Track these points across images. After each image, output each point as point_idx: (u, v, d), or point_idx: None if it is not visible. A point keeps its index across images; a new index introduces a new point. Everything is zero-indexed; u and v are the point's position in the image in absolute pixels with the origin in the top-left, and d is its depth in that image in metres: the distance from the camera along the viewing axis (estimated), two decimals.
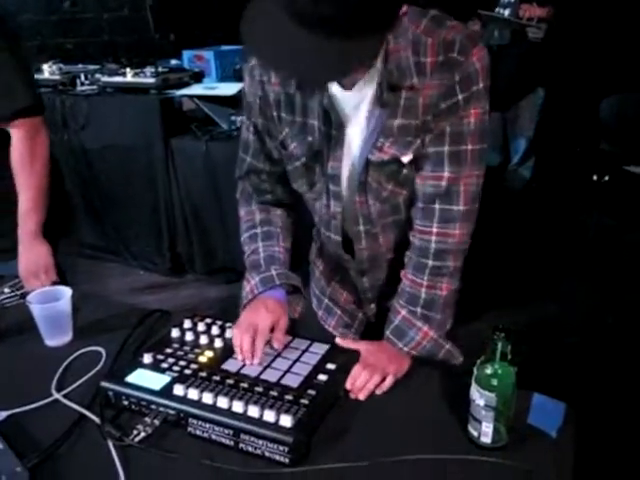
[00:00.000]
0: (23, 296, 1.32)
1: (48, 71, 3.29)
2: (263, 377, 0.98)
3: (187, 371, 0.99)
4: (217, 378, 0.97)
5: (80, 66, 3.55)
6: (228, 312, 1.12)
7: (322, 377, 0.98)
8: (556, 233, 3.37)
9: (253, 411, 0.88)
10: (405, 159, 1.00)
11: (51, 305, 1.16)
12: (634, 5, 3.66)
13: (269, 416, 0.87)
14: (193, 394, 0.92)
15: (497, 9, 3.48)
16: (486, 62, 0.93)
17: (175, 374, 0.98)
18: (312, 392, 0.94)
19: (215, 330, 1.11)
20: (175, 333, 1.11)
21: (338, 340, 1.11)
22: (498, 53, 3.43)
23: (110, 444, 0.88)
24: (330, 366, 1.02)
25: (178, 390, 0.93)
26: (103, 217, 3.37)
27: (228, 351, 1.05)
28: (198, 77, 3.20)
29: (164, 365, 1.01)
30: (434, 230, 1.03)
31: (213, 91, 2.97)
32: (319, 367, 1.01)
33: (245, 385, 0.95)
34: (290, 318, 1.13)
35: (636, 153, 3.47)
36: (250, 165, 1.19)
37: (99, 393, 0.98)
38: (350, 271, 1.24)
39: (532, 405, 0.95)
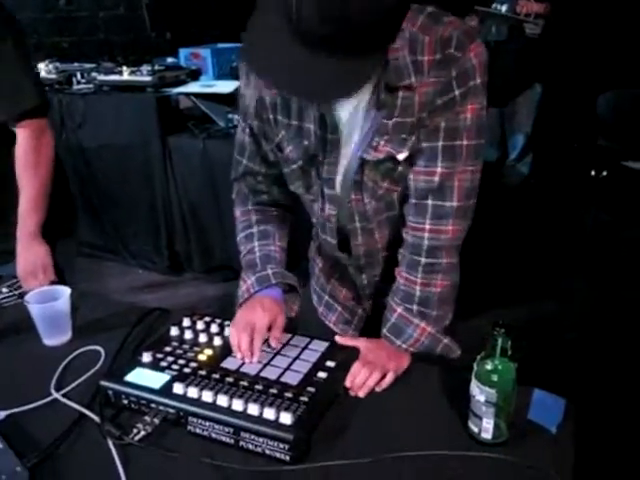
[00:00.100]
0: (21, 296, 1.32)
1: (44, 70, 3.28)
2: (263, 375, 0.98)
3: (186, 369, 0.99)
4: (217, 376, 0.96)
5: (76, 65, 3.55)
6: (227, 310, 1.12)
7: (322, 374, 0.98)
8: (554, 229, 3.38)
9: (253, 409, 0.88)
10: (401, 157, 0.99)
11: (49, 305, 1.15)
12: (630, 1, 3.66)
13: (269, 414, 0.87)
14: (193, 392, 0.92)
15: (494, 5, 3.47)
16: (484, 58, 0.92)
17: (174, 373, 0.98)
18: (312, 389, 0.94)
19: (214, 328, 1.11)
20: (174, 332, 1.11)
21: (337, 338, 1.11)
22: (495, 49, 3.43)
23: (110, 443, 0.88)
24: (330, 363, 1.02)
25: (178, 389, 0.93)
26: (101, 216, 3.37)
27: (227, 349, 1.04)
28: (195, 75, 3.19)
29: (163, 364, 1.01)
30: (427, 227, 1.03)
31: (210, 89, 2.97)
32: (319, 364, 1.01)
33: (245, 383, 0.94)
34: (288, 316, 1.12)
35: (633, 148, 3.48)
36: (246, 167, 1.18)
37: (98, 392, 0.97)
38: (349, 268, 1.24)
39: (532, 401, 0.96)
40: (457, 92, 0.92)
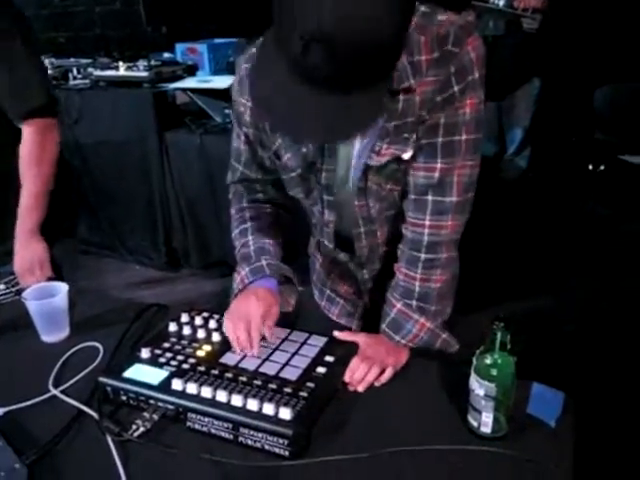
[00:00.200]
0: (19, 292, 1.32)
1: None
2: (262, 370, 0.97)
3: (185, 365, 0.98)
4: (215, 372, 0.96)
5: (72, 60, 3.53)
6: (225, 306, 1.11)
7: (321, 369, 0.98)
8: (552, 223, 3.38)
9: (252, 404, 0.87)
10: (406, 156, 0.98)
11: (47, 301, 1.15)
12: None
13: (268, 409, 0.87)
14: (192, 388, 0.92)
15: (491, 0, 3.46)
16: (481, 51, 0.92)
17: (173, 368, 0.98)
18: (311, 385, 0.93)
19: (212, 324, 1.11)
20: (172, 327, 1.10)
21: (336, 333, 1.10)
22: (493, 44, 3.42)
23: (109, 439, 0.88)
24: (329, 358, 1.02)
25: (176, 384, 0.93)
26: (98, 212, 3.36)
27: (226, 345, 1.04)
28: (191, 70, 3.18)
29: (162, 360, 1.00)
30: (427, 223, 1.03)
31: (207, 84, 2.96)
32: (318, 360, 1.01)
33: (244, 378, 0.94)
34: (290, 310, 1.12)
35: (630, 142, 3.48)
36: (242, 174, 1.18)
37: (97, 388, 0.97)
38: (349, 264, 1.23)
39: (531, 395, 0.96)
40: (456, 88, 0.92)
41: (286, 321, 1.13)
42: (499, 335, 0.83)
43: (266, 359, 1.01)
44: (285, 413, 0.86)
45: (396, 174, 1.02)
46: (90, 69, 3.24)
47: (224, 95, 2.85)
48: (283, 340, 1.07)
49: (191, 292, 3.02)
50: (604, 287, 2.76)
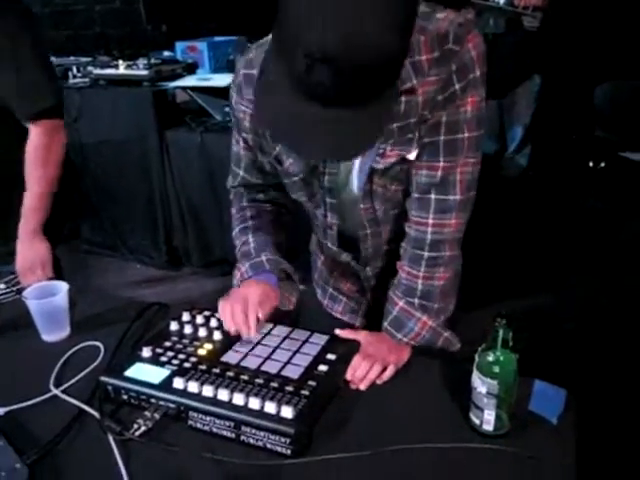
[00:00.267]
0: (19, 292, 1.32)
1: None
2: (263, 369, 0.97)
3: (186, 364, 0.98)
4: (217, 371, 0.96)
5: (72, 58, 3.53)
6: None
7: (322, 368, 0.98)
8: (553, 221, 3.37)
9: (254, 403, 0.87)
10: (412, 156, 0.98)
11: (48, 300, 1.15)
12: None
13: (270, 408, 0.86)
14: (193, 387, 0.92)
15: None
16: (481, 49, 0.91)
17: (174, 367, 0.98)
18: (313, 383, 0.93)
19: (214, 322, 1.10)
20: (174, 326, 1.10)
21: (338, 331, 1.10)
22: (493, 41, 3.41)
23: (110, 439, 0.87)
24: (330, 357, 1.01)
25: (178, 383, 0.93)
26: (98, 211, 3.36)
27: (227, 343, 1.04)
28: (191, 68, 3.17)
29: (163, 359, 1.00)
30: (430, 221, 1.03)
31: (207, 82, 2.95)
32: (319, 358, 1.01)
33: (245, 377, 0.94)
34: (291, 309, 1.12)
35: (630, 139, 3.48)
36: (243, 179, 1.18)
37: (98, 388, 0.97)
38: (351, 262, 1.23)
39: (533, 392, 0.95)
40: (457, 86, 0.91)
41: (288, 319, 1.13)
42: (501, 332, 0.83)
43: (267, 357, 1.01)
44: (287, 411, 0.85)
45: (401, 175, 1.02)
46: (90, 67, 3.24)
47: (224, 93, 2.83)
48: (284, 338, 1.07)
49: (192, 291, 3.02)
50: (604, 285, 2.76)
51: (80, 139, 3.16)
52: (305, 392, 0.91)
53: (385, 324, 1.10)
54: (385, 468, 0.83)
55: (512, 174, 3.87)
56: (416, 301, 1.07)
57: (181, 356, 1.01)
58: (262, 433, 0.85)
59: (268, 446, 0.86)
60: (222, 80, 2.87)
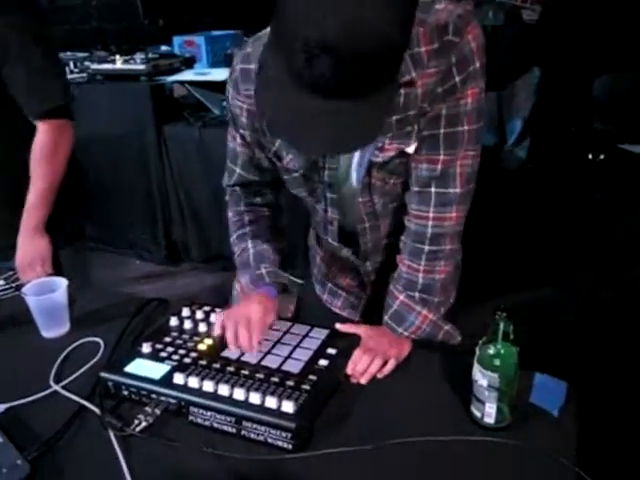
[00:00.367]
0: (18, 288, 1.31)
1: None
2: (264, 364, 0.97)
3: (187, 359, 0.98)
4: (217, 366, 0.96)
5: (69, 54, 3.50)
6: (226, 300, 1.11)
7: (323, 362, 0.98)
8: (552, 214, 3.37)
9: (255, 398, 0.87)
10: (410, 149, 0.97)
11: (47, 296, 1.14)
12: None
13: (271, 402, 0.86)
14: (193, 382, 0.91)
15: None
16: (481, 40, 0.91)
17: (175, 363, 0.97)
18: (313, 377, 0.93)
19: (213, 318, 1.10)
20: (173, 322, 1.10)
21: (338, 325, 1.10)
22: (493, 34, 3.40)
23: (111, 434, 0.87)
24: (331, 351, 1.01)
25: (178, 379, 0.92)
26: (97, 206, 3.35)
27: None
28: (189, 63, 3.16)
29: (163, 354, 1.00)
30: (430, 215, 1.02)
31: (204, 77, 2.94)
32: (320, 352, 1.01)
33: (246, 372, 0.94)
34: (289, 316, 1.12)
35: (629, 131, 3.47)
36: (240, 177, 1.16)
37: (98, 384, 0.97)
38: (351, 257, 1.23)
39: (534, 384, 0.95)
40: (457, 78, 0.91)
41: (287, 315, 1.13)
42: (502, 325, 0.83)
43: (268, 352, 1.00)
44: (288, 406, 0.85)
45: (400, 168, 1.01)
46: (87, 63, 3.23)
47: (222, 87, 2.82)
48: (285, 333, 1.07)
49: (191, 286, 3.02)
50: (605, 277, 2.76)
51: (77, 134, 3.13)
52: (306, 386, 0.91)
53: (385, 318, 1.10)
54: (386, 462, 0.83)
55: (511, 167, 3.87)
56: (417, 295, 1.07)
57: (181, 351, 1.01)
58: (263, 428, 0.85)
59: (269, 441, 0.85)
60: (220, 74, 2.86)
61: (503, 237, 2.95)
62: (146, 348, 1.01)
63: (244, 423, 0.86)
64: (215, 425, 0.89)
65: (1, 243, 1.49)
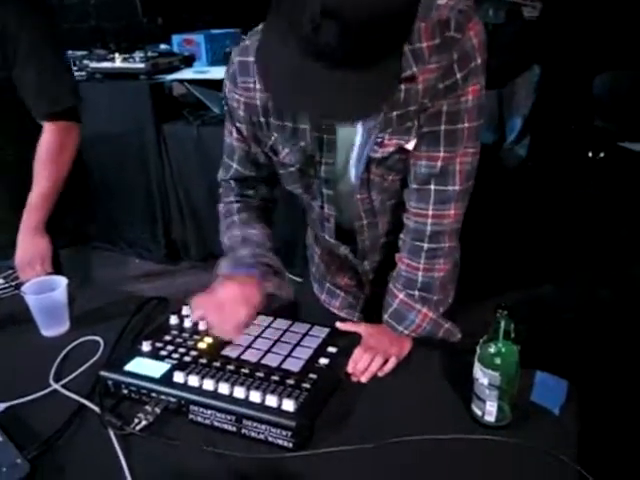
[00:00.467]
0: (17, 287, 1.31)
1: None
2: (264, 362, 0.97)
3: (187, 358, 0.98)
4: (217, 364, 0.96)
5: (68, 52, 3.50)
6: None
7: (323, 360, 0.97)
8: (552, 212, 3.37)
9: (255, 396, 0.87)
10: (410, 145, 0.97)
11: (47, 295, 1.14)
12: None
13: (271, 401, 0.86)
14: (194, 381, 0.91)
15: None
16: (482, 37, 0.91)
17: (175, 361, 0.97)
18: (314, 376, 0.93)
19: None
20: (173, 320, 1.10)
21: (338, 324, 1.10)
22: (493, 32, 3.39)
23: (111, 433, 0.87)
24: (331, 349, 1.01)
25: (178, 377, 0.92)
26: (96, 205, 3.35)
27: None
28: (188, 61, 3.16)
29: (163, 353, 1.00)
30: (430, 212, 1.02)
31: (204, 75, 2.94)
32: (320, 350, 1.01)
33: (246, 370, 0.94)
34: (294, 302, 1.11)
35: (630, 129, 3.47)
36: (236, 172, 1.15)
37: (98, 382, 0.97)
38: (349, 256, 1.22)
39: (535, 383, 0.95)
40: (459, 75, 0.90)
41: (286, 314, 1.12)
42: (503, 324, 0.83)
43: (268, 351, 1.00)
44: (288, 405, 0.85)
45: (399, 164, 1.01)
46: (86, 61, 3.22)
47: (221, 86, 2.83)
48: (285, 331, 1.07)
49: (191, 285, 3.01)
50: (604, 275, 2.76)
51: None
52: (306, 385, 0.90)
53: (385, 317, 1.10)
54: (387, 460, 0.83)
55: (511, 165, 3.87)
56: (416, 293, 1.07)
57: (181, 350, 1.00)
58: (263, 426, 0.85)
59: (269, 439, 0.85)
60: (219, 73, 2.85)
61: (503, 235, 2.94)
62: (146, 347, 1.01)
63: (244, 422, 0.86)
64: (215, 424, 0.89)
65: (2, 241, 1.49)
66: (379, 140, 0.96)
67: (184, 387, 0.91)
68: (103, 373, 0.96)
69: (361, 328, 1.09)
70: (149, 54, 3.05)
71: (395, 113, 0.93)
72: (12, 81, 1.36)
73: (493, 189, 2.66)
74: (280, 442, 0.85)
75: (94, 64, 3.13)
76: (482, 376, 0.85)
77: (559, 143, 3.89)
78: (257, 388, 0.89)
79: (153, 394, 0.92)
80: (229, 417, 0.87)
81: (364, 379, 0.99)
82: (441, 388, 0.97)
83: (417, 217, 1.03)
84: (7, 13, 1.31)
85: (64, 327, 1.18)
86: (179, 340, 1.03)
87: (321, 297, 1.35)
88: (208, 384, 0.90)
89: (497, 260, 2.75)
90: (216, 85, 2.84)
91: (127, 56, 3.04)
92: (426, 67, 0.89)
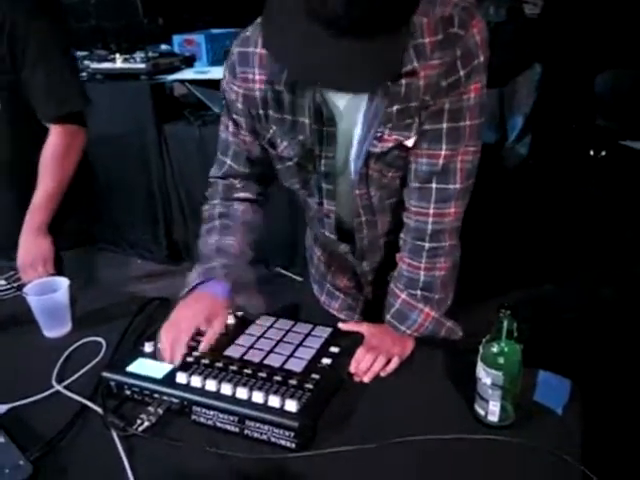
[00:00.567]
0: (19, 288, 1.31)
1: None
2: (266, 362, 0.97)
3: (189, 358, 0.98)
4: (220, 365, 0.96)
5: None
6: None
7: (326, 361, 0.97)
8: (554, 210, 3.36)
9: (257, 397, 0.87)
10: (410, 142, 0.96)
11: (49, 296, 1.14)
12: None
13: (274, 401, 0.86)
14: (196, 381, 0.91)
15: None
16: (485, 34, 0.91)
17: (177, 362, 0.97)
18: (316, 376, 0.93)
19: None
20: None
21: (340, 324, 1.10)
22: (495, 30, 3.39)
23: (114, 434, 0.87)
24: (334, 349, 1.01)
25: (181, 378, 0.92)
26: (98, 206, 3.34)
27: (230, 337, 1.04)
28: (189, 61, 3.16)
29: None
30: (431, 211, 1.01)
31: (204, 75, 2.94)
32: (322, 351, 1.00)
33: (248, 371, 0.94)
34: (295, 303, 1.11)
35: (631, 128, 3.46)
36: (230, 169, 1.13)
37: (101, 383, 0.97)
38: (348, 256, 1.22)
39: (538, 382, 0.95)
40: (462, 72, 0.90)
41: (286, 315, 1.12)
42: (505, 323, 0.82)
43: (270, 351, 1.00)
44: (291, 405, 0.85)
45: (398, 161, 1.01)
46: (87, 62, 3.22)
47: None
48: (287, 332, 1.07)
49: None
50: (607, 274, 2.76)
51: None
52: (309, 385, 0.90)
53: (387, 317, 1.10)
54: (390, 460, 0.83)
55: (513, 163, 3.86)
56: (418, 293, 1.07)
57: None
58: (266, 427, 0.85)
59: (272, 440, 0.85)
60: (220, 73, 2.83)
61: (504, 234, 2.94)
62: (148, 347, 1.00)
63: (247, 422, 0.86)
64: (218, 424, 0.88)
65: (5, 243, 1.49)
66: (379, 135, 0.96)
67: (187, 388, 0.91)
68: (105, 374, 0.96)
69: (363, 328, 1.08)
70: (150, 54, 3.05)
71: (395, 107, 0.93)
72: (20, 83, 1.36)
73: (494, 188, 2.66)
74: (283, 442, 0.84)
75: (95, 65, 3.13)
76: (485, 376, 0.85)
77: (560, 142, 3.88)
78: (260, 389, 0.89)
79: (155, 395, 0.92)
80: (232, 418, 0.87)
81: (367, 379, 0.99)
82: (444, 388, 0.97)
83: (418, 216, 1.03)
84: (16, 14, 1.30)
85: (66, 328, 1.18)
86: None
87: (321, 298, 1.35)
88: (211, 385, 0.90)
89: (499, 260, 2.75)
90: (217, 85, 2.80)
91: (128, 56, 3.04)
92: (428, 63, 0.89)
